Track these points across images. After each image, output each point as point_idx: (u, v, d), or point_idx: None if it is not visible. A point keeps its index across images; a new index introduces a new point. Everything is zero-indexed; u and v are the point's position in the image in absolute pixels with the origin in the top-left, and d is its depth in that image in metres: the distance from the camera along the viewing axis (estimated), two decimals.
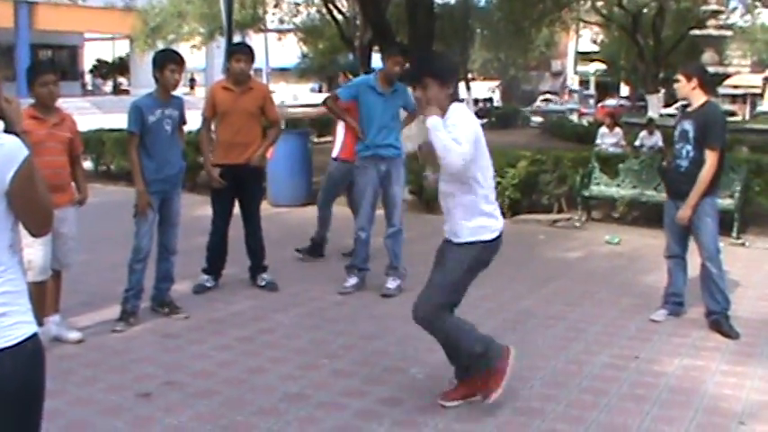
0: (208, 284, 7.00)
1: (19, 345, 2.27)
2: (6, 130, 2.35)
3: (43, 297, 5.38)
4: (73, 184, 5.67)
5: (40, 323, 4.93)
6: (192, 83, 47.64)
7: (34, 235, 2.48)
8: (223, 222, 7.00)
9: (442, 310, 4.39)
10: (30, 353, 2.32)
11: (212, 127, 7.00)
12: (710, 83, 6.36)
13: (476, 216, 4.34)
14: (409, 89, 7.02)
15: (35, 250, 5.16)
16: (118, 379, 4.94)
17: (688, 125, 5.91)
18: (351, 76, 8.10)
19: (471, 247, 4.36)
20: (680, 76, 5.96)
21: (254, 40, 37.67)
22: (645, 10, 25.60)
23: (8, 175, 2.23)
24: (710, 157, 5.79)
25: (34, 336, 2.34)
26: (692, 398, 4.71)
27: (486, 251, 4.40)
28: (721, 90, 30.60)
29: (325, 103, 7.35)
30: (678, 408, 4.57)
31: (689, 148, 5.89)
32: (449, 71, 4.46)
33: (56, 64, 36.59)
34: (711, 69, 13.29)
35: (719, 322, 5.93)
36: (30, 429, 2.41)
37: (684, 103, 6.28)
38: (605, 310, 6.53)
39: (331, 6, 25.29)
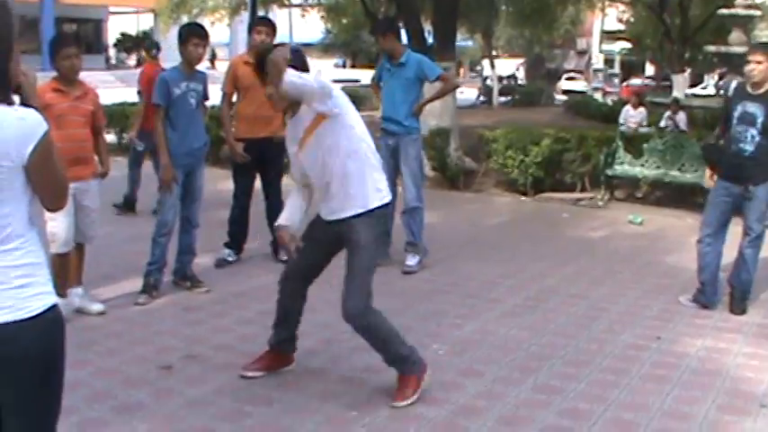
0: (229, 258, 7.02)
1: (39, 315, 2.29)
2: (22, 104, 2.34)
3: (66, 269, 5.43)
4: (96, 157, 5.69)
5: (61, 294, 4.98)
6: (213, 57, 47.27)
7: (49, 209, 2.50)
8: (245, 196, 7.00)
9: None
10: (50, 323, 2.33)
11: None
12: (740, 64, 6.14)
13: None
14: (425, 58, 6.99)
15: (58, 223, 5.20)
16: (140, 351, 4.97)
17: (754, 108, 5.56)
18: (147, 55, 8.09)
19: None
20: (762, 57, 5.51)
21: (279, 15, 37.50)
22: None
23: (28, 149, 2.23)
24: None
25: (54, 307, 2.35)
26: (713, 379, 4.68)
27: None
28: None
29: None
30: (699, 389, 4.54)
31: (754, 132, 5.57)
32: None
33: (79, 37, 36.70)
34: (739, 50, 13.06)
35: (732, 295, 5.96)
36: (50, 399, 2.43)
37: (738, 82, 5.89)
38: (628, 289, 6.50)
39: None
